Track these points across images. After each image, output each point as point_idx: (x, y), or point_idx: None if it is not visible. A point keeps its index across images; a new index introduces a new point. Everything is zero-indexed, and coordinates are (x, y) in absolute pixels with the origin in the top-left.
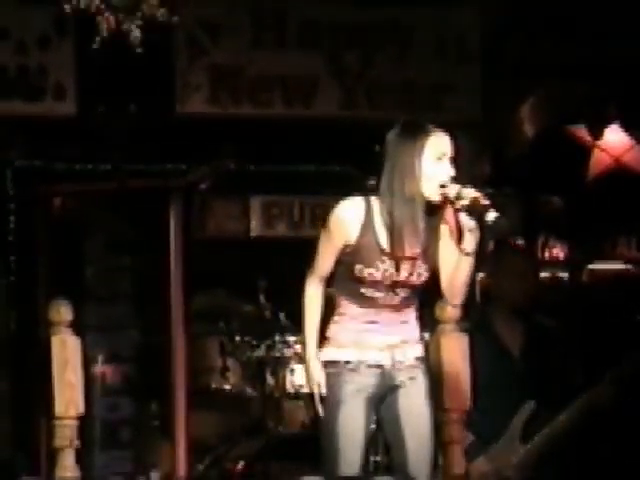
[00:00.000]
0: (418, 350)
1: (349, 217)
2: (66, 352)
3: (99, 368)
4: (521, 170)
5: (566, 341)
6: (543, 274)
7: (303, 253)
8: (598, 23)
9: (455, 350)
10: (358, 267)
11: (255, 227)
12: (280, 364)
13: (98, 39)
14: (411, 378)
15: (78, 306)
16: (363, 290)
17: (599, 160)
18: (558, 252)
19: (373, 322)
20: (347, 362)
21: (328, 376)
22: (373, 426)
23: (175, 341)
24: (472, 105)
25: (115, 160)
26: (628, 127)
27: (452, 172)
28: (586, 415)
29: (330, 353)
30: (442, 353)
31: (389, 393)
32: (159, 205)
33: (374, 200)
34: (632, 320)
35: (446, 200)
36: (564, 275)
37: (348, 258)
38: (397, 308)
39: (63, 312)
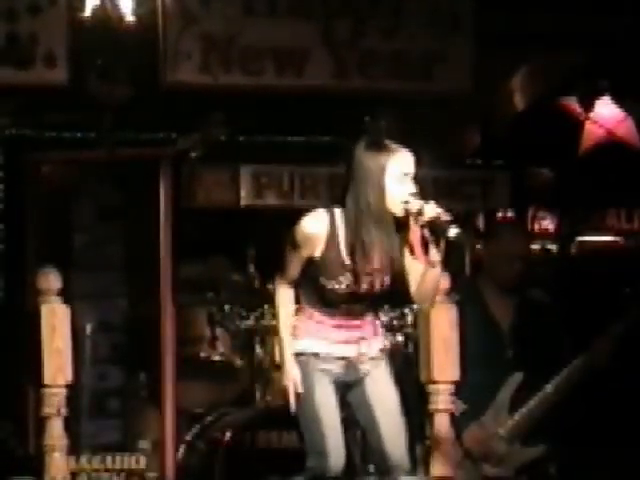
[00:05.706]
0: (381, 342)
1: (314, 232)
2: (55, 320)
3: (87, 337)
4: (511, 142)
5: (555, 313)
6: (532, 246)
7: (292, 223)
8: None
9: (444, 321)
10: (322, 279)
11: (245, 196)
12: (269, 334)
13: (89, 6)
14: (374, 367)
15: (67, 274)
16: (326, 299)
17: (591, 132)
18: (547, 224)
19: (336, 326)
20: (316, 354)
21: (300, 364)
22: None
23: (164, 310)
24: (462, 75)
25: (105, 128)
26: (619, 99)
27: (414, 189)
28: (585, 373)
29: (300, 345)
30: (431, 324)
31: (356, 384)
32: (148, 174)
33: (338, 213)
34: (620, 292)
35: (409, 215)
36: (553, 247)
37: (313, 269)
38: (359, 313)
39: (52, 280)
